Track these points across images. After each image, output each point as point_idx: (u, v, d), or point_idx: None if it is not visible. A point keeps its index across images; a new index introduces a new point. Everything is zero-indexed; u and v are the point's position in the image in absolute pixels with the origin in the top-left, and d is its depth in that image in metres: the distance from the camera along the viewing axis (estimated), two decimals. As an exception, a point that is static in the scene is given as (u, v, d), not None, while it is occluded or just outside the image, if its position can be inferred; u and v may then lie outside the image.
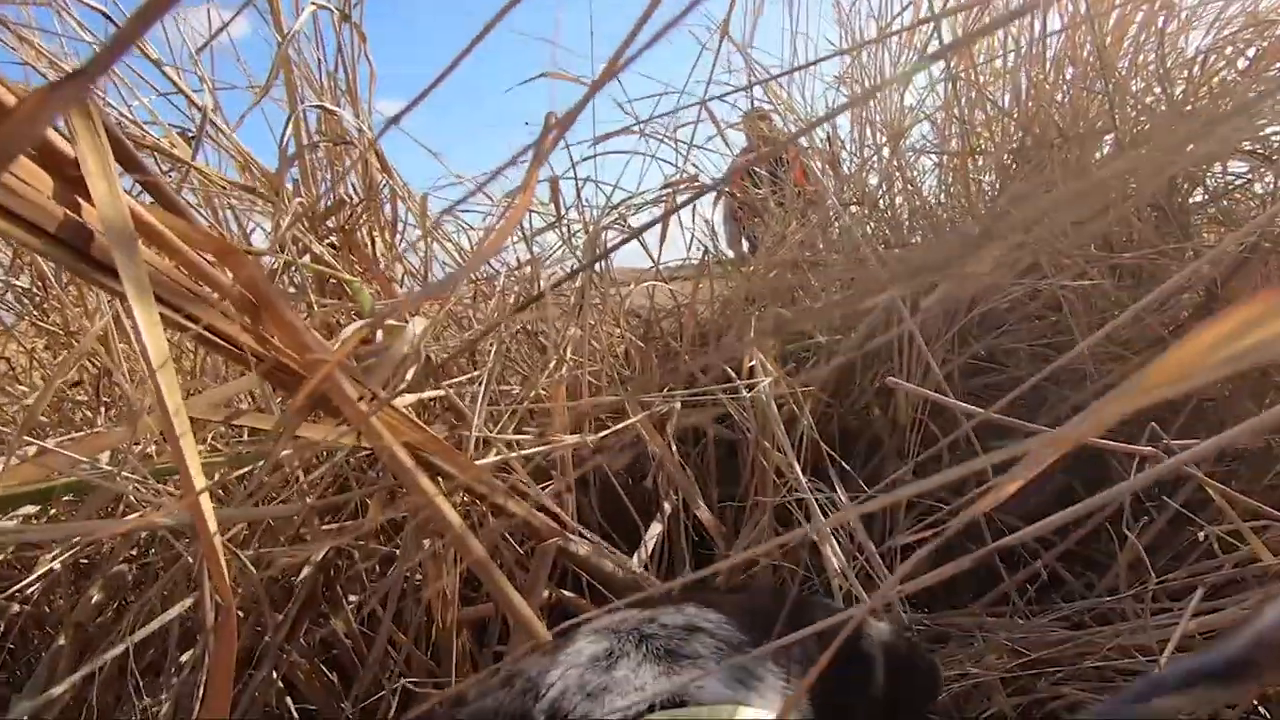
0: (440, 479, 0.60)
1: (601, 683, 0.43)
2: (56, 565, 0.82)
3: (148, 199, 0.47)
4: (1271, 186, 1.24)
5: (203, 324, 0.40)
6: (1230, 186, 1.27)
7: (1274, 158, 1.17)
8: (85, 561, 0.95)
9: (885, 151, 1.47)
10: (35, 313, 1.32)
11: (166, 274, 0.40)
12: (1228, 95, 1.20)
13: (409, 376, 0.64)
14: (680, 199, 1.40)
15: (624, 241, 1.44)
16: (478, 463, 0.70)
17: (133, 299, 0.34)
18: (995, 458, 0.23)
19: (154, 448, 0.89)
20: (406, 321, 0.71)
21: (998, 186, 1.41)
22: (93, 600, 0.85)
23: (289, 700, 0.91)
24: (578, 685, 0.43)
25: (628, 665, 0.44)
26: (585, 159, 1.37)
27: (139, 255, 0.36)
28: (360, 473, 1.00)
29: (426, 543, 0.76)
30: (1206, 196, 1.27)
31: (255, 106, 1.14)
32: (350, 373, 0.50)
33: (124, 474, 0.71)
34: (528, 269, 1.34)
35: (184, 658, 0.87)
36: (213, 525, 0.35)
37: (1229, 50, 1.22)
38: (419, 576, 0.94)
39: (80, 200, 0.36)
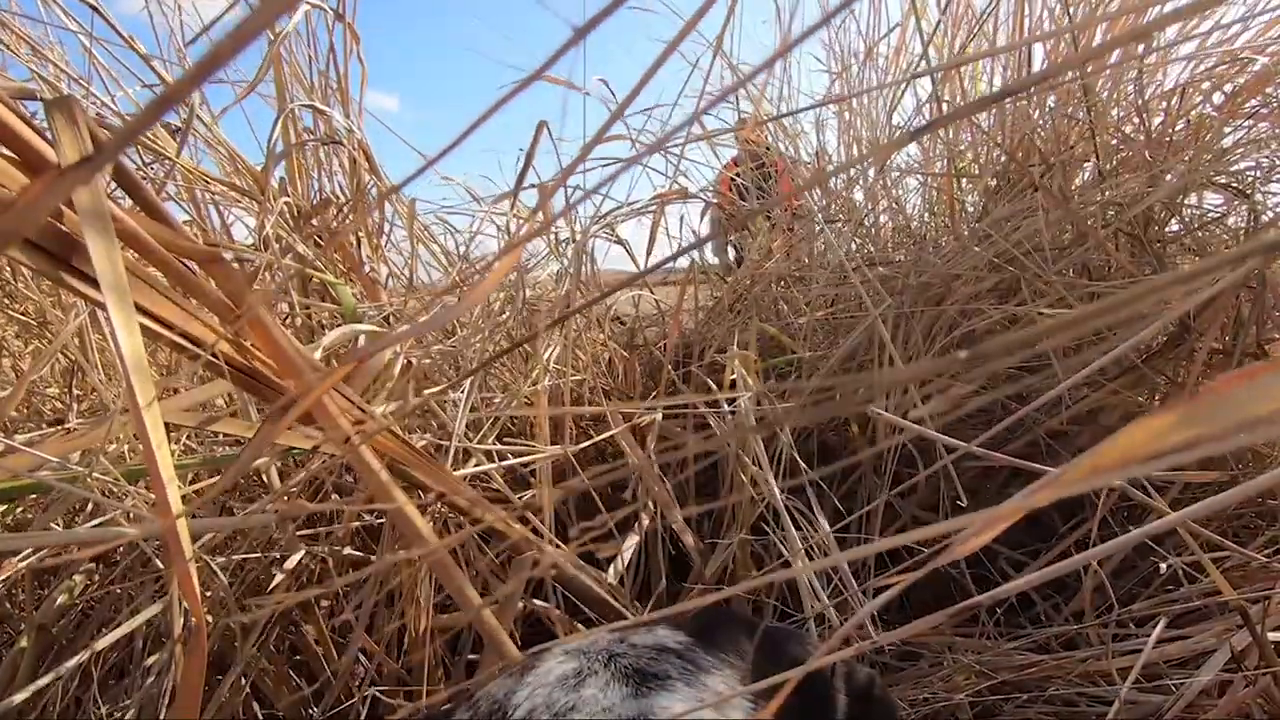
0: (418, 491, 0.60)
1: (568, 701, 0.43)
2: (21, 565, 0.80)
3: (129, 202, 0.47)
4: (1245, 220, 1.27)
5: (177, 331, 0.39)
6: (1204, 218, 1.30)
7: (1247, 191, 1.20)
8: (51, 560, 0.93)
9: (870, 172, 1.49)
10: (5, 300, 1.30)
11: (148, 281, 0.39)
12: (1205, 129, 1.23)
13: (389, 385, 0.64)
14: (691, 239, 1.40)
15: (629, 281, 1.44)
16: (457, 473, 0.70)
17: (113, 310, 0.34)
18: (967, 521, 0.23)
19: (127, 446, 0.88)
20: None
21: (981, 207, 1.43)
22: (57, 602, 0.83)
23: (256, 706, 0.90)
24: (545, 704, 0.43)
25: (595, 684, 0.44)
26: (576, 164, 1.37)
27: (120, 264, 0.36)
28: (338, 477, 0.99)
29: (402, 553, 0.75)
30: (1181, 228, 1.29)
31: (239, 103, 1.13)
32: (331, 386, 0.50)
33: (95, 474, 0.70)
34: (513, 276, 1.34)
35: (149, 661, 0.85)
36: (189, 550, 0.34)
37: (1206, 85, 1.25)
38: (394, 582, 0.94)
39: (61, 205, 0.36)
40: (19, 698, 0.74)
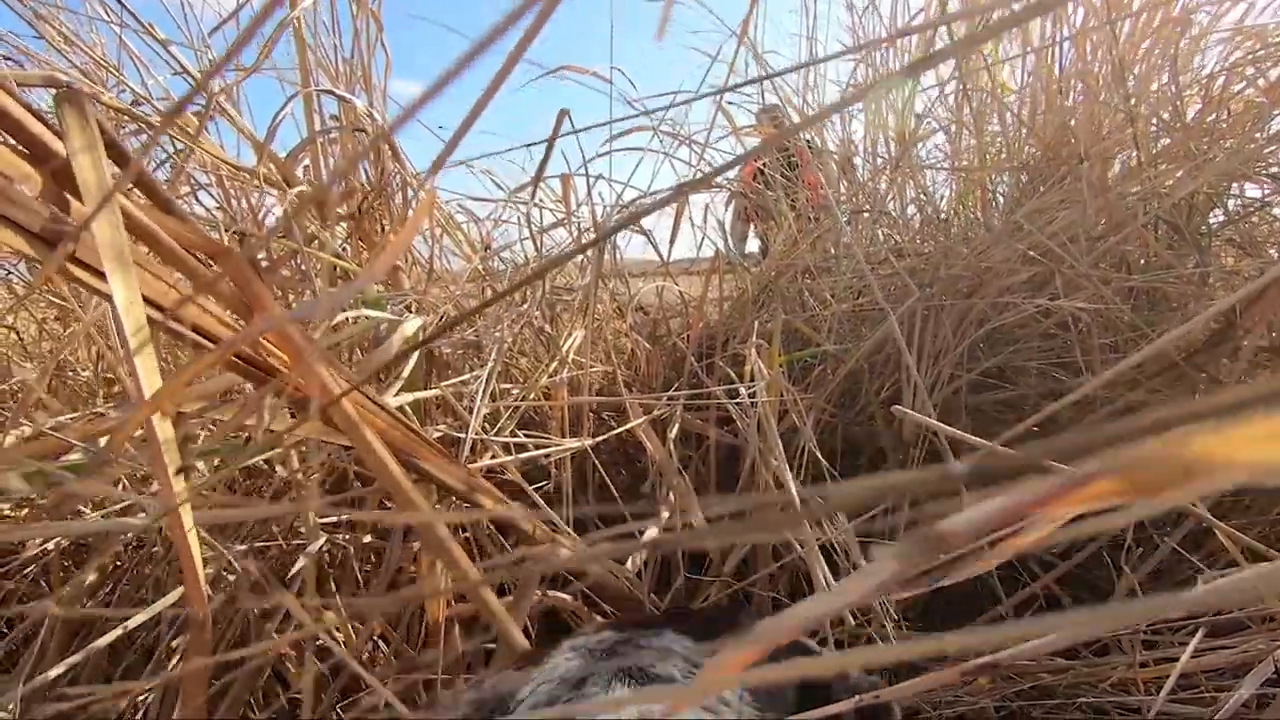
0: (432, 485, 0.60)
1: (570, 699, 0.43)
2: (50, 545, 0.82)
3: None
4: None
5: (189, 325, 0.39)
6: (1248, 209, 1.24)
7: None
8: (81, 542, 0.95)
9: (891, 152, 1.45)
10: (48, 284, 1.32)
11: (156, 274, 0.39)
12: (1247, 116, 1.17)
13: (405, 374, 0.63)
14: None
15: (625, 223, 1.42)
16: (473, 465, 0.70)
17: (121, 310, 0.33)
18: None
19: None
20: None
21: (1014, 198, 1.39)
22: (85, 582, 0.85)
23: (279, 690, 0.91)
24: (548, 701, 0.43)
25: (598, 684, 0.44)
26: (599, 155, 1.36)
27: (124, 237, 0.35)
28: (361, 465, 0.99)
29: (416, 545, 0.75)
30: (1223, 219, 1.24)
31: (240, 84, 1.14)
32: (335, 367, 0.49)
33: (120, 459, 0.71)
34: (536, 264, 1.34)
35: (175, 643, 0.87)
36: (197, 558, 0.34)
37: (1250, 70, 1.19)
38: (413, 569, 0.94)
39: (69, 197, 0.36)
40: (50, 673, 0.75)
